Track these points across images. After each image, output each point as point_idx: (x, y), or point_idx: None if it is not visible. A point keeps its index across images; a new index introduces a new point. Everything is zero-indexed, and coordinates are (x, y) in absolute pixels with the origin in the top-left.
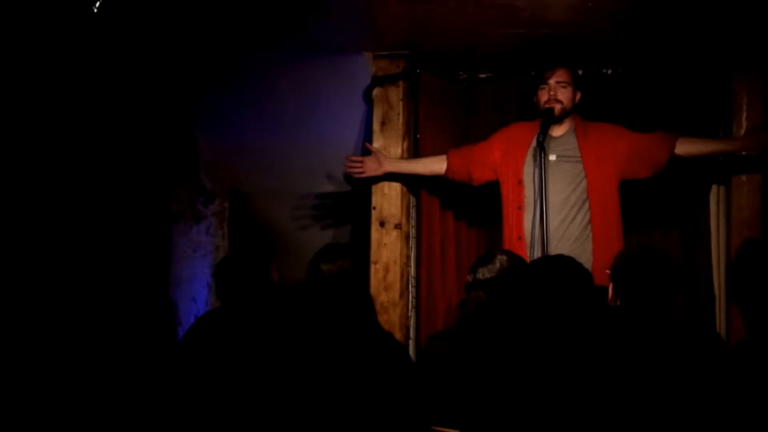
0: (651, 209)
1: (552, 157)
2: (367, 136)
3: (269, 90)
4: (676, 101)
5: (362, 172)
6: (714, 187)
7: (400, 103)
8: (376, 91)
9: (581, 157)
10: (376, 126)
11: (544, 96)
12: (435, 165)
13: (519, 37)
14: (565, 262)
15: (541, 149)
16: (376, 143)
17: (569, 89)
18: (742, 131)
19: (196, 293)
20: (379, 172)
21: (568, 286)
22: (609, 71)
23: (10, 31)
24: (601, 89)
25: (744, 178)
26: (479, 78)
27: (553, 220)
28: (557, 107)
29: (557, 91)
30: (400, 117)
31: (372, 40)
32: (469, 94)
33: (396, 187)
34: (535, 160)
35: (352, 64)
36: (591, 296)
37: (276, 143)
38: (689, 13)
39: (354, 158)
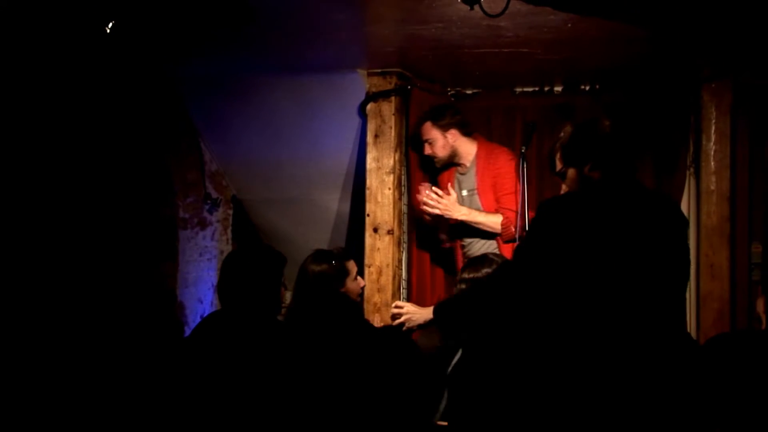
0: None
1: (464, 193)
2: (362, 148)
3: (270, 105)
4: (650, 114)
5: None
6: (685, 195)
7: (393, 117)
8: (369, 106)
9: (477, 189)
10: (369, 138)
11: None
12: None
13: (503, 55)
14: None
15: (523, 159)
16: (370, 155)
17: (435, 142)
18: (712, 142)
19: (202, 295)
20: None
21: None
22: (587, 87)
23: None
24: (579, 104)
25: (713, 186)
26: (466, 94)
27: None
28: (436, 161)
29: (426, 149)
30: (393, 130)
31: (366, 58)
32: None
33: (388, 195)
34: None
35: (348, 81)
36: None
37: (276, 154)
38: (660, 34)
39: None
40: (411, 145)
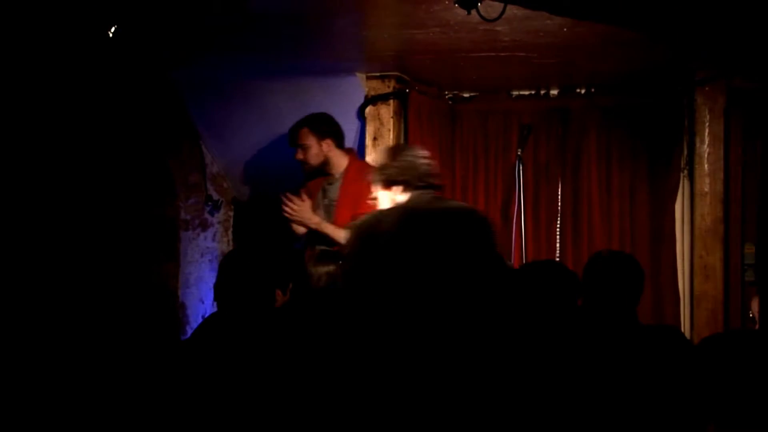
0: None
1: (325, 202)
2: (360, 150)
3: (270, 108)
4: (645, 116)
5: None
6: (679, 197)
7: (391, 120)
8: (368, 109)
9: (336, 202)
10: (368, 141)
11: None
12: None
13: (500, 59)
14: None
15: (519, 161)
16: (369, 157)
17: (309, 149)
18: (705, 144)
19: (203, 295)
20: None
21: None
22: (582, 90)
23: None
24: (575, 107)
25: (706, 188)
26: (463, 97)
27: None
28: (306, 167)
29: (298, 154)
30: (391, 133)
31: (364, 62)
32: (454, 111)
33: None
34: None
35: (347, 85)
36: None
37: (276, 157)
38: (654, 38)
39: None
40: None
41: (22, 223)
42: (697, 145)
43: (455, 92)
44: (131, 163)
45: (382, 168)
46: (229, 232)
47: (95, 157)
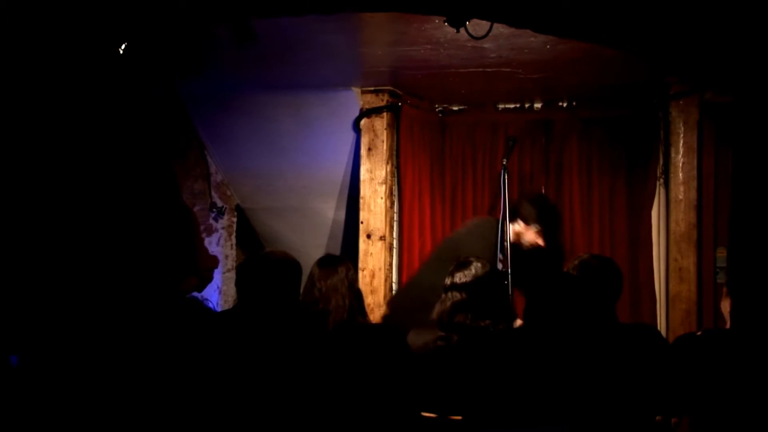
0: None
1: None
2: (356, 160)
3: (271, 120)
4: (624, 128)
5: None
6: (655, 204)
7: (385, 132)
8: (363, 122)
9: None
10: (363, 151)
11: None
12: None
13: (487, 74)
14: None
15: (504, 171)
16: (364, 167)
17: None
18: (680, 154)
19: (208, 296)
20: None
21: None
22: (564, 104)
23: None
24: (558, 119)
25: (681, 195)
26: (453, 110)
27: None
28: None
29: None
30: (384, 144)
31: (360, 77)
32: (443, 123)
33: (380, 204)
34: None
35: (343, 98)
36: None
37: (277, 166)
38: (631, 55)
39: None
40: (401, 156)
41: (24, 233)
42: (672, 155)
43: (445, 105)
44: (139, 171)
45: None
46: (233, 237)
47: (104, 167)
